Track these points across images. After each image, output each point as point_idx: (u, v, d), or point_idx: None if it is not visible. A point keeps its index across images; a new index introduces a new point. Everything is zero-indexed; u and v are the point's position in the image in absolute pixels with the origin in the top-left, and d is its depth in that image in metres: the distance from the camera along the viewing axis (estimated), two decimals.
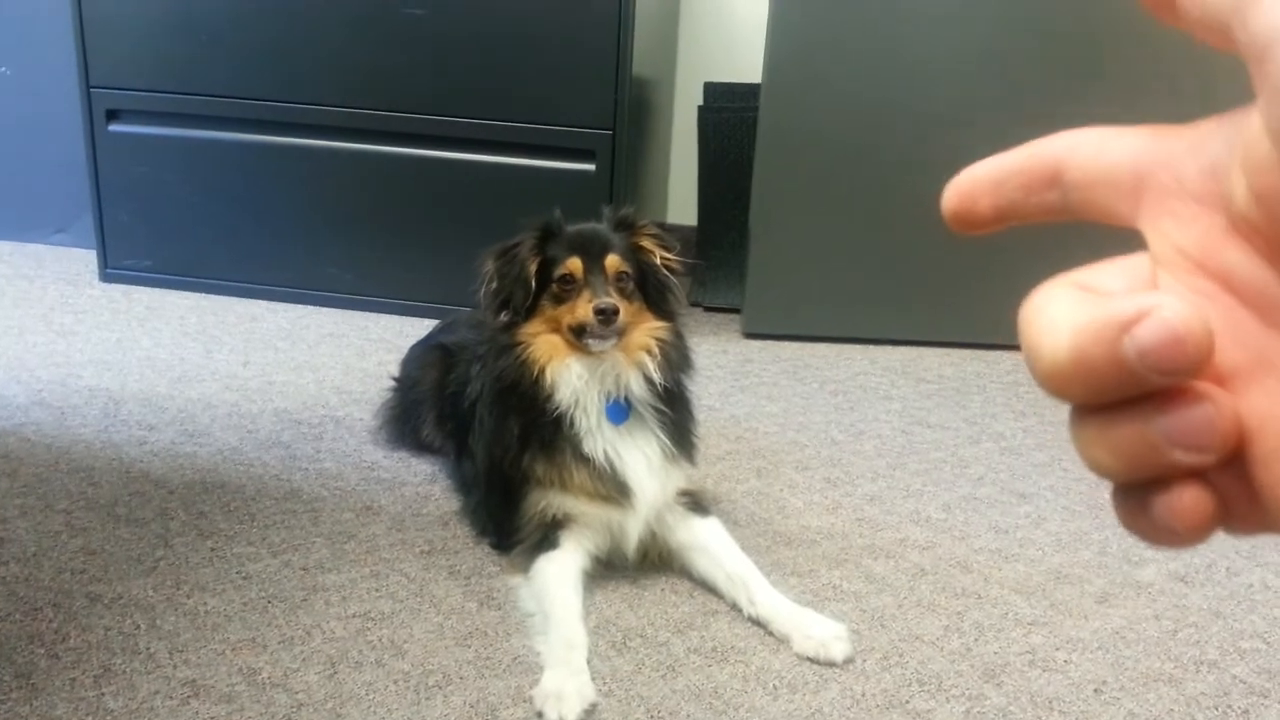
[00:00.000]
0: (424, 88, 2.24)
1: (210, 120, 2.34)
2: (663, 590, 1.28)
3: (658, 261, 1.32)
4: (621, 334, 1.26)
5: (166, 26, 2.29)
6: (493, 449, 1.32)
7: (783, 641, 1.18)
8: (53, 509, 1.37)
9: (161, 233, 2.45)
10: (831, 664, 1.15)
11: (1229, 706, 1.11)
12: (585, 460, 1.27)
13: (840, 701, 1.08)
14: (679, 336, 1.34)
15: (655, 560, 1.33)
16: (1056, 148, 0.25)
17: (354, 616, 1.17)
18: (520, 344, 1.28)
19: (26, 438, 1.59)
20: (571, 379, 1.26)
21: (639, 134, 2.35)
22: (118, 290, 2.43)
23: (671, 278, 1.33)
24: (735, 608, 1.24)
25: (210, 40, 2.28)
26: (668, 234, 1.36)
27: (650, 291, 1.32)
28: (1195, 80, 2.02)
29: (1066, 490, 1.62)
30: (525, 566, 1.26)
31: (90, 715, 0.98)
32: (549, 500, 1.28)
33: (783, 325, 2.31)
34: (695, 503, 1.35)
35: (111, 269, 2.48)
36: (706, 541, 1.31)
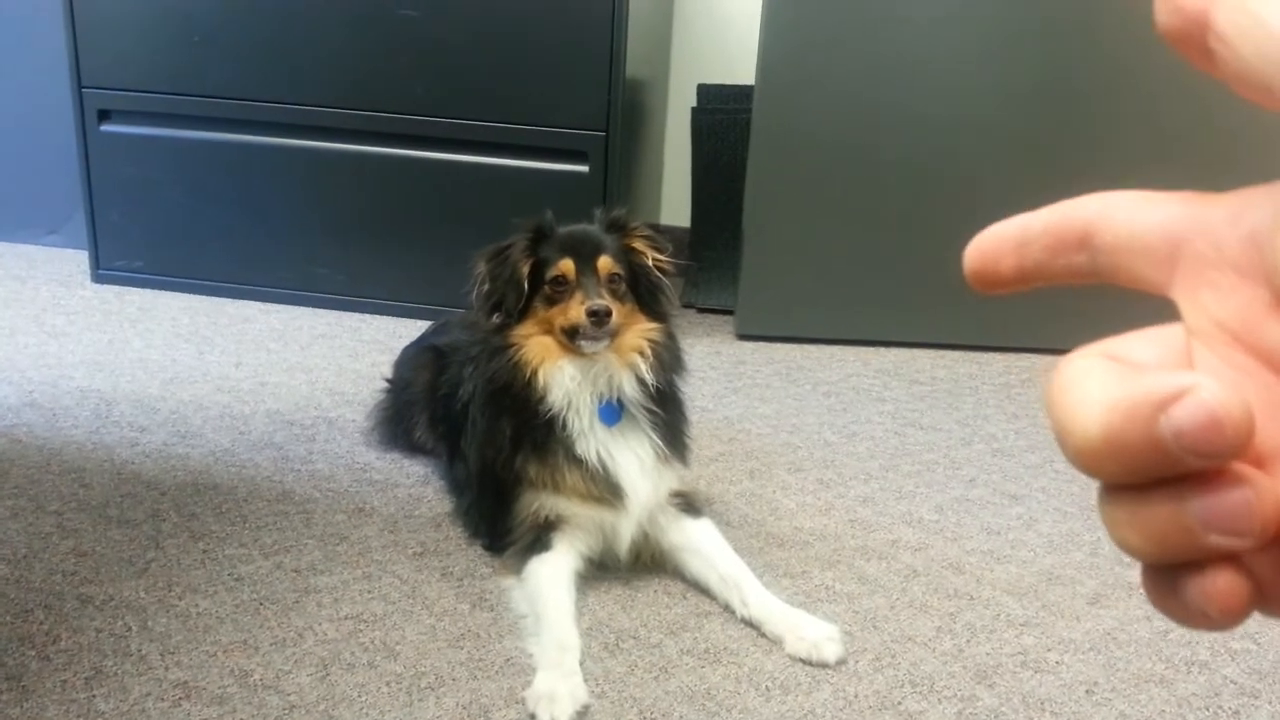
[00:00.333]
0: (417, 89, 2.24)
1: (203, 121, 2.34)
2: (655, 592, 1.28)
3: (650, 263, 1.32)
4: (614, 335, 1.26)
5: (159, 26, 2.28)
6: (485, 450, 1.32)
7: (775, 643, 1.18)
8: (44, 510, 1.37)
9: (154, 233, 2.44)
10: (824, 665, 1.15)
11: (1220, 707, 1.11)
12: (578, 462, 1.27)
13: (833, 703, 1.08)
14: (671, 337, 1.34)
15: (648, 561, 1.33)
16: (1087, 210, 0.24)
17: (346, 618, 1.17)
18: (513, 345, 1.28)
19: (18, 439, 1.59)
20: (564, 380, 1.26)
21: (632, 135, 2.35)
22: (110, 291, 2.43)
23: (664, 279, 1.33)
24: (728, 609, 1.24)
25: (203, 41, 2.28)
26: (660, 235, 1.36)
27: (642, 293, 1.32)
28: (1203, 79, 2.02)
29: (1058, 492, 1.63)
30: (518, 568, 1.26)
31: (81, 717, 0.98)
32: (541, 502, 1.28)
33: (776, 327, 2.31)
34: (688, 504, 1.35)
35: (103, 270, 2.48)
36: (699, 543, 1.31)
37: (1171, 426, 0.19)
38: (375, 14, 2.19)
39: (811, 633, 1.18)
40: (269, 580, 1.24)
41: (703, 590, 1.28)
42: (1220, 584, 0.20)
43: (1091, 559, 1.42)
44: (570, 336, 1.26)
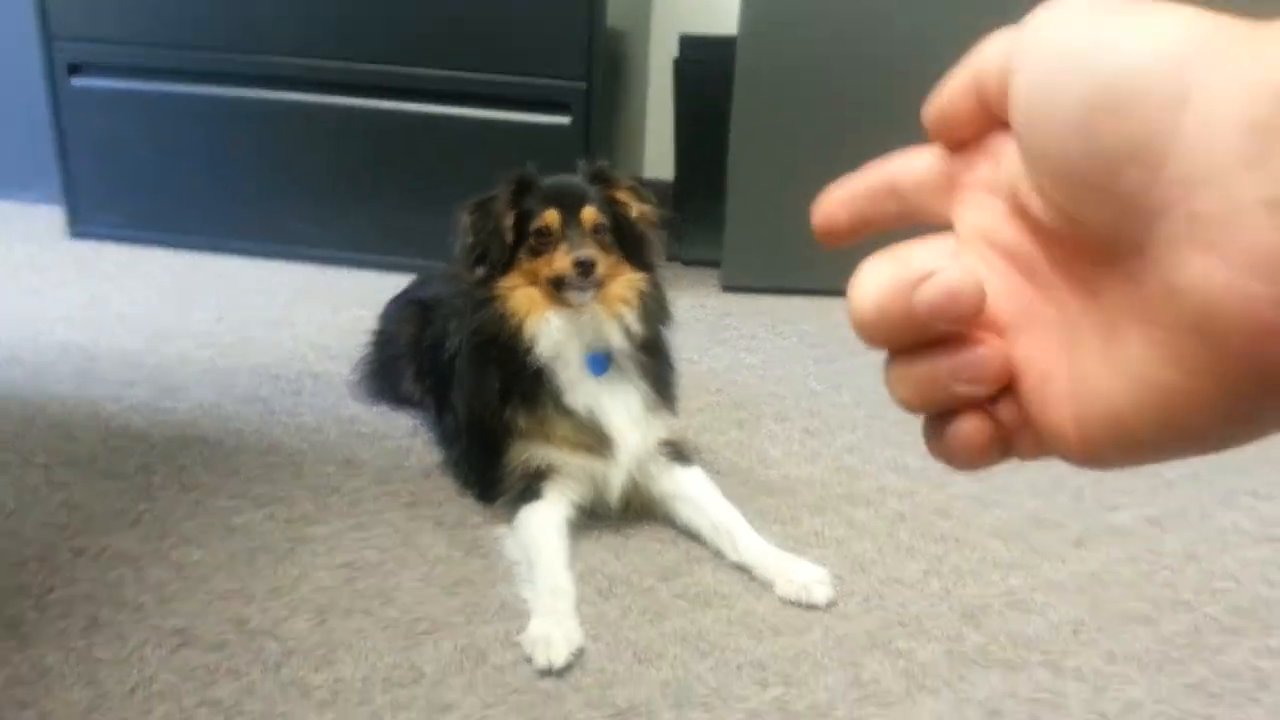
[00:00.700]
0: (397, 39, 2.21)
1: (176, 74, 2.30)
2: (647, 538, 1.29)
3: (634, 215, 1.32)
4: (600, 285, 1.26)
5: None
6: (473, 402, 1.32)
7: (766, 586, 1.20)
8: (31, 464, 1.36)
9: (129, 189, 2.41)
10: (814, 607, 1.16)
11: (1202, 644, 1.14)
12: (567, 412, 1.27)
13: (823, 643, 1.10)
14: (657, 287, 1.34)
15: (638, 509, 1.34)
16: (892, 164, 0.31)
17: (341, 566, 1.18)
18: (498, 297, 1.27)
19: (1, 394, 1.57)
20: (551, 331, 1.26)
21: (614, 86, 2.33)
22: (87, 247, 2.40)
23: (648, 230, 1.33)
24: (719, 555, 1.25)
25: None
26: (643, 188, 1.35)
27: (627, 244, 1.32)
28: None
29: None
30: (509, 517, 1.27)
31: (81, 664, 0.98)
32: (531, 452, 1.28)
33: (761, 278, 2.31)
34: (677, 452, 1.36)
35: (80, 226, 2.44)
36: (689, 490, 1.32)
37: (921, 299, 0.25)
38: None
39: (801, 575, 1.19)
40: (262, 530, 1.24)
41: (694, 536, 1.29)
42: (968, 426, 0.27)
43: (1076, 503, 1.44)
44: (557, 287, 1.25)
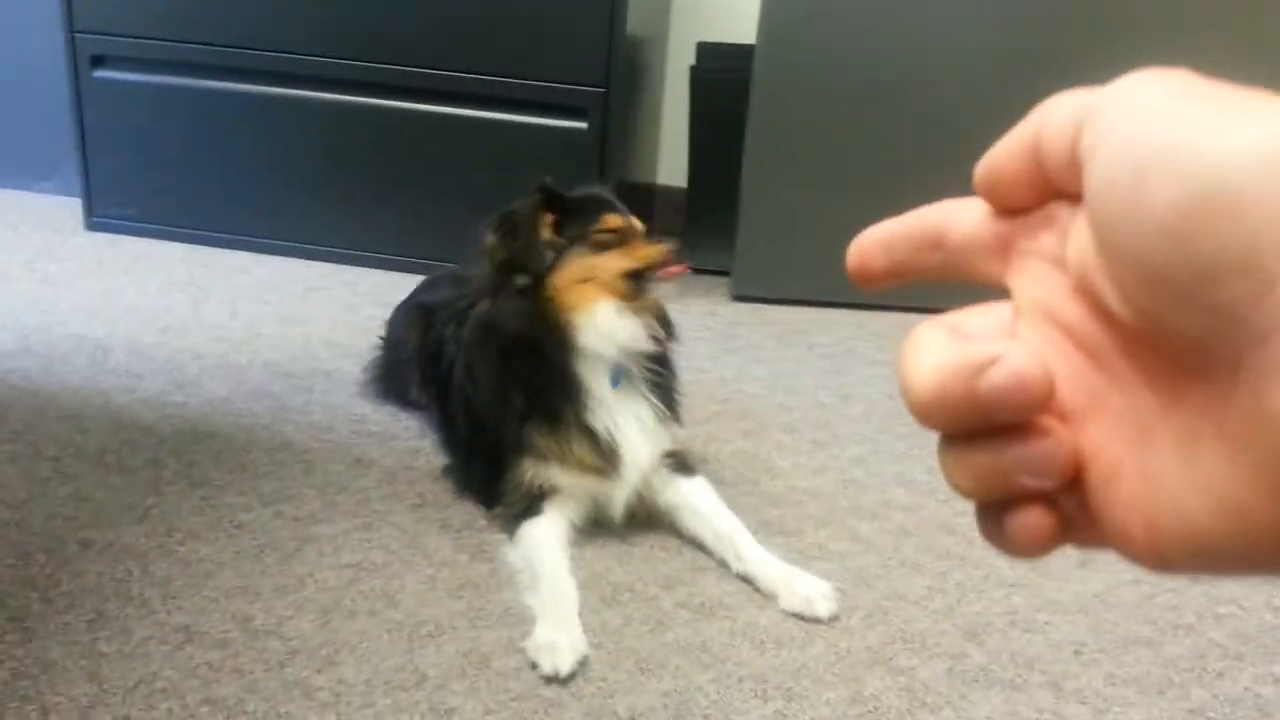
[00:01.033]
0: (415, 40, 2.22)
1: (198, 68, 2.31)
2: (651, 547, 1.30)
3: None
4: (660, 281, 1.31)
5: None
6: (489, 415, 1.31)
7: (769, 598, 1.20)
8: (42, 456, 1.37)
9: (147, 181, 2.42)
10: (817, 620, 1.16)
11: (1204, 669, 1.13)
12: (587, 432, 1.27)
13: (825, 657, 1.10)
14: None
15: (643, 519, 1.34)
16: (939, 214, 0.29)
17: (346, 566, 1.18)
18: (551, 296, 1.26)
19: (13, 384, 1.59)
20: (599, 325, 1.26)
21: (631, 93, 2.34)
22: (103, 239, 2.41)
23: None
24: (723, 564, 1.26)
25: None
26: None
27: None
28: (1203, 48, 2.02)
29: None
30: (509, 530, 1.27)
31: (85, 658, 0.99)
32: (537, 471, 1.28)
33: (772, 288, 2.31)
34: (681, 463, 1.36)
35: (97, 218, 2.46)
36: (694, 501, 1.32)
37: (986, 385, 0.23)
38: None
39: (805, 588, 1.19)
40: (269, 528, 1.25)
41: (698, 546, 1.29)
42: (1031, 519, 0.25)
43: None
44: (635, 278, 1.27)
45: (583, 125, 2.22)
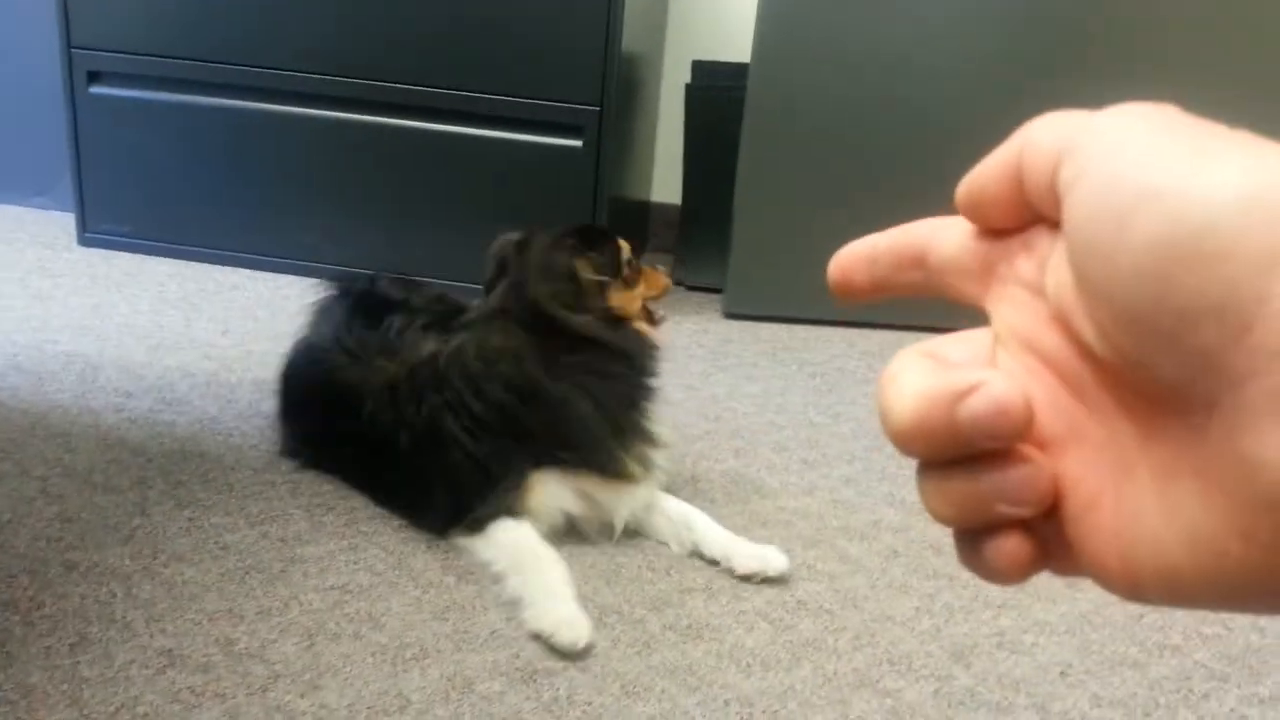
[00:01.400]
0: (411, 58, 2.22)
1: (194, 85, 2.31)
2: (639, 568, 1.29)
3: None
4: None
5: None
6: (578, 442, 1.32)
7: (724, 564, 1.29)
8: (29, 475, 1.37)
9: (141, 198, 2.42)
10: (779, 577, 1.26)
11: (1190, 690, 1.13)
12: (645, 437, 1.35)
13: (812, 680, 1.10)
14: None
15: (627, 531, 1.36)
16: (922, 232, 0.28)
17: (332, 589, 1.18)
18: (629, 322, 1.38)
19: (2, 402, 1.58)
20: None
21: (626, 110, 2.34)
22: (96, 255, 2.41)
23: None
24: (680, 544, 1.33)
25: (195, 3, 2.25)
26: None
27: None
28: (1191, 68, 2.03)
29: None
30: (478, 527, 1.26)
31: (66, 683, 0.98)
32: (525, 496, 1.28)
33: (764, 306, 2.31)
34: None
35: (90, 233, 2.46)
36: (654, 499, 1.38)
37: (967, 413, 0.23)
38: None
39: (756, 549, 1.29)
40: (255, 549, 1.24)
41: (656, 539, 1.35)
42: (1007, 546, 0.25)
43: None
44: (648, 312, 1.42)
45: (578, 143, 2.22)
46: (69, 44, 2.31)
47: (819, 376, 2.02)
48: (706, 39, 2.73)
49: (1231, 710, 1.10)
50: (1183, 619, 1.26)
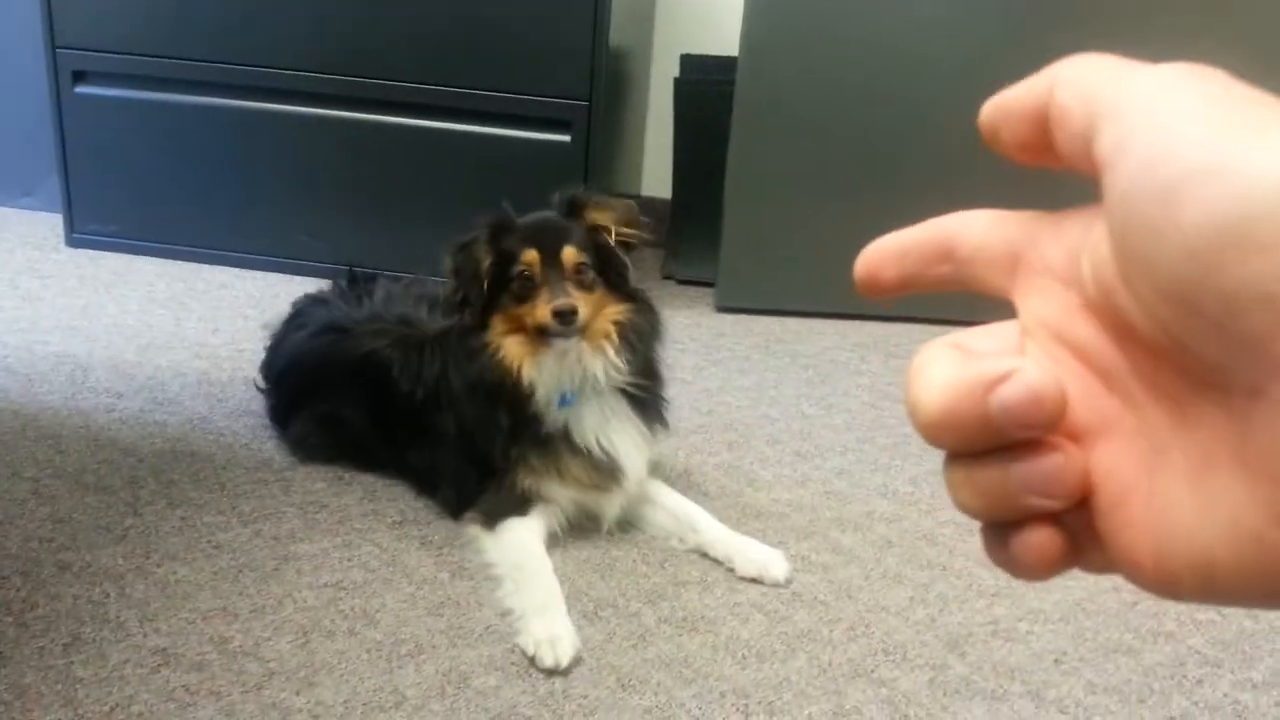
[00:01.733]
0: (399, 54, 2.22)
1: (180, 84, 2.30)
2: (634, 561, 1.29)
3: (614, 238, 1.30)
4: (584, 328, 1.25)
5: None
6: (480, 441, 1.30)
7: (725, 564, 1.28)
8: (20, 476, 1.36)
9: (129, 197, 2.41)
10: (776, 584, 1.25)
11: (1184, 676, 1.14)
12: (579, 451, 1.28)
13: (807, 670, 1.10)
14: (650, 310, 1.33)
15: (621, 524, 1.36)
16: (949, 227, 0.28)
17: (326, 586, 1.18)
18: (490, 347, 1.26)
19: None
20: (545, 376, 1.26)
21: (615, 105, 2.34)
22: (84, 255, 2.40)
23: (624, 255, 1.31)
24: (681, 542, 1.33)
25: (181, 1, 2.24)
26: (621, 201, 1.34)
27: (611, 272, 1.30)
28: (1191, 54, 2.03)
29: None
30: (490, 524, 1.27)
31: (60, 683, 0.98)
32: (532, 483, 1.29)
33: (756, 299, 2.31)
34: (652, 467, 1.39)
35: (78, 233, 2.45)
36: (651, 493, 1.37)
37: (999, 402, 0.22)
38: None
39: (759, 554, 1.27)
40: (248, 548, 1.24)
41: (658, 534, 1.35)
42: (1036, 539, 0.24)
43: None
44: (541, 334, 1.24)
45: (566, 138, 2.22)
46: (54, 44, 2.30)
47: (811, 368, 2.02)
48: (695, 33, 2.72)
49: (1225, 695, 1.11)
50: (1177, 605, 1.27)
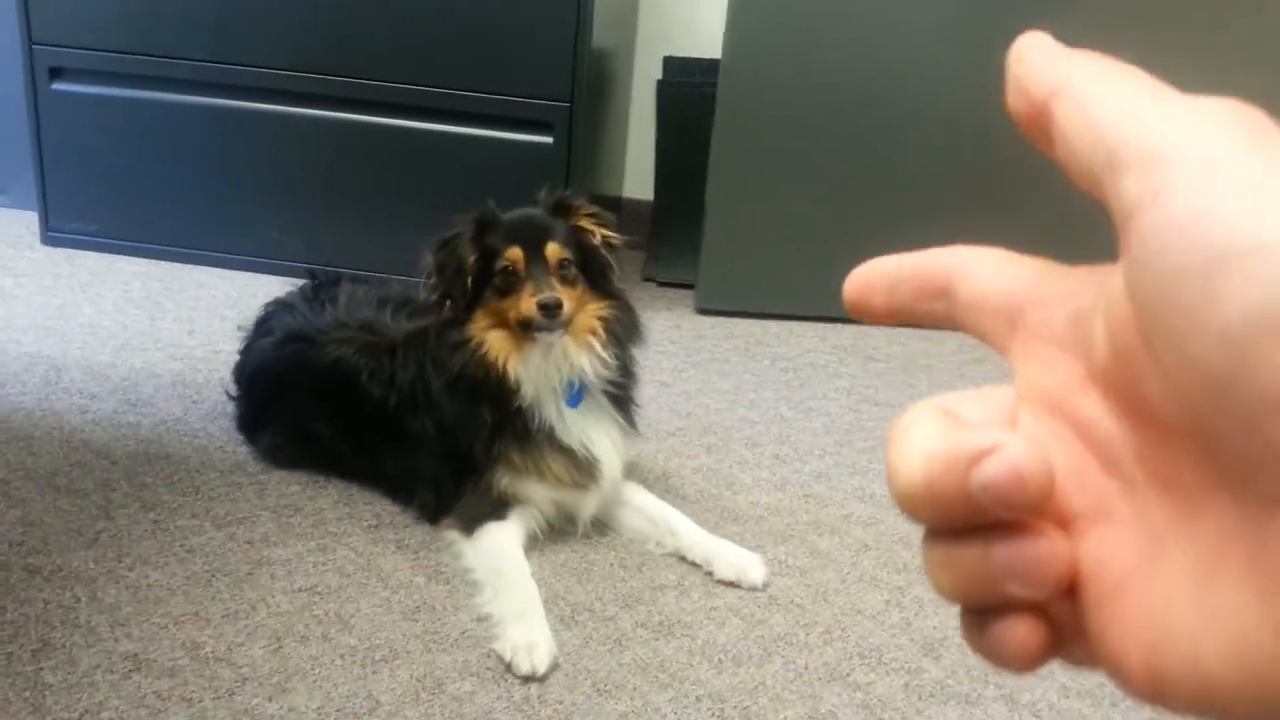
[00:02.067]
0: (379, 54, 2.20)
1: (158, 81, 2.28)
2: (611, 565, 1.29)
3: (598, 241, 1.31)
4: (568, 323, 1.26)
5: None
6: (462, 437, 1.30)
7: (704, 567, 1.28)
8: None
9: (106, 195, 2.39)
10: (753, 588, 1.25)
11: None
12: (562, 449, 1.28)
13: (783, 675, 1.10)
14: (628, 310, 1.34)
15: (598, 525, 1.36)
16: (950, 262, 0.26)
17: (300, 590, 1.17)
18: (472, 340, 1.26)
19: None
20: (531, 372, 1.26)
21: (597, 107, 2.33)
22: (60, 254, 2.38)
23: (609, 256, 1.33)
24: (659, 545, 1.33)
25: None
26: (605, 211, 1.36)
27: (593, 272, 1.32)
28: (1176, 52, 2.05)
29: None
30: (469, 529, 1.27)
31: (28, 690, 0.97)
32: (511, 480, 1.28)
33: (736, 302, 2.32)
34: (628, 469, 1.40)
35: (53, 232, 2.42)
36: (629, 497, 1.37)
37: (980, 478, 0.20)
38: None
39: (737, 558, 1.28)
40: (221, 552, 1.23)
41: (635, 538, 1.35)
42: (1017, 631, 0.22)
43: None
44: (525, 328, 1.25)
45: (549, 140, 2.21)
46: (30, 39, 2.27)
47: (791, 371, 2.02)
48: (678, 35, 2.73)
49: None
50: None
